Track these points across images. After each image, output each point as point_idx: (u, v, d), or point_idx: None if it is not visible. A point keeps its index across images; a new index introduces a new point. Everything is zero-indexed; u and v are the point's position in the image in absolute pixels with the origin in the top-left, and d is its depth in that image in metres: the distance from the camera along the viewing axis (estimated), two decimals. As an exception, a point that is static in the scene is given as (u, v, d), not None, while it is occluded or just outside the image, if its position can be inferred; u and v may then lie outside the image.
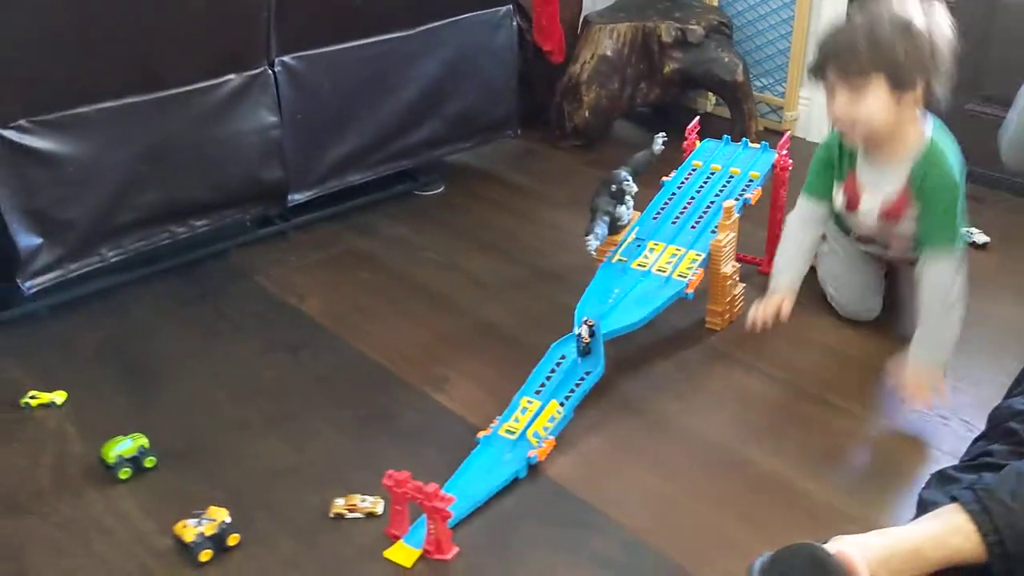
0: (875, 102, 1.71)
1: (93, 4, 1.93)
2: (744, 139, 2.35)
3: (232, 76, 2.16)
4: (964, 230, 1.84)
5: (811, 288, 2.14)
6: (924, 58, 1.68)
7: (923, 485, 1.50)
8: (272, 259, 2.44)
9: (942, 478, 1.47)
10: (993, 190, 2.74)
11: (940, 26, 1.69)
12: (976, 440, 1.53)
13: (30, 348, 2.07)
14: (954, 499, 1.33)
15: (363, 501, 1.60)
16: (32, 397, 1.89)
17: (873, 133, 1.79)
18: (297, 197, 2.42)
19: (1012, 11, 2.68)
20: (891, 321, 2.11)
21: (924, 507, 1.42)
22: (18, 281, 2.01)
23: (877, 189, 1.90)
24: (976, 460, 1.46)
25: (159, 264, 2.34)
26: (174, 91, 2.08)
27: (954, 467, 1.50)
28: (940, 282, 1.79)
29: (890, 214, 1.91)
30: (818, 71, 1.77)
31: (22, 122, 1.90)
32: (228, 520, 1.53)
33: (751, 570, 1.28)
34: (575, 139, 3.13)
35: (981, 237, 2.45)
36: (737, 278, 2.10)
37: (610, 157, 3.04)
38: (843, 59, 1.71)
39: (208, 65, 2.12)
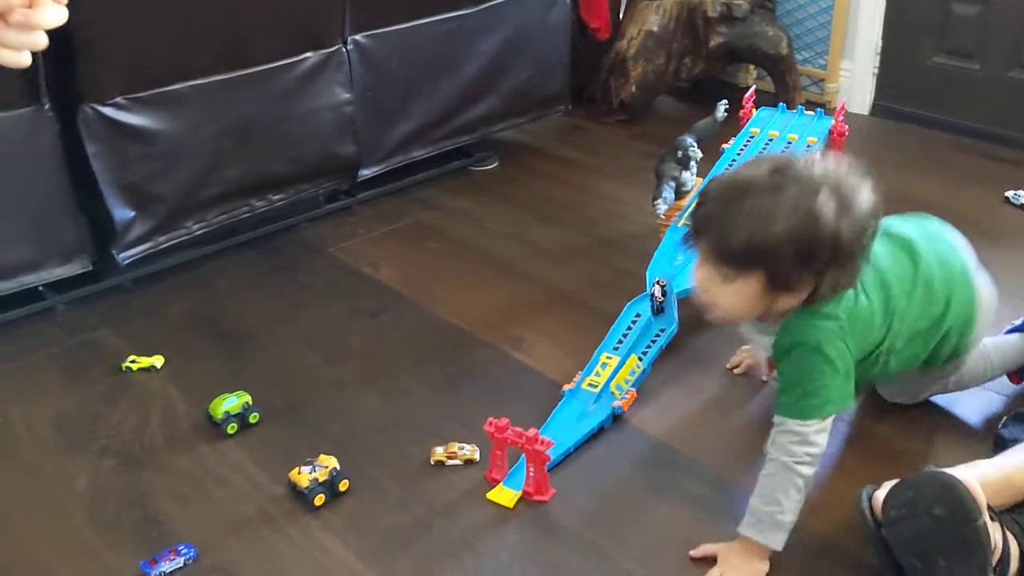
0: (742, 298, 1.36)
1: (186, -15, 2.03)
2: (800, 107, 2.43)
3: (310, 54, 2.26)
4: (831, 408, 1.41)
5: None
6: (819, 259, 1.30)
7: (1000, 425, 1.59)
8: (341, 232, 2.54)
9: (1019, 417, 1.56)
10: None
11: (855, 216, 1.30)
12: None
13: (122, 318, 2.17)
14: (1031, 432, 1.42)
15: (461, 449, 1.70)
16: (132, 362, 1.99)
17: (733, 321, 1.52)
18: (367, 172, 2.51)
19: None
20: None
21: (1004, 444, 1.51)
22: (113, 252, 2.11)
23: (756, 342, 1.63)
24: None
25: (236, 238, 2.43)
26: (258, 68, 2.18)
27: (1025, 407, 1.59)
28: (780, 450, 1.41)
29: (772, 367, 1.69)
30: (690, 237, 1.41)
31: (119, 99, 2.00)
32: (338, 467, 1.63)
33: (859, 497, 1.36)
34: (620, 114, 3.22)
35: (1027, 199, 2.52)
36: (798, 240, 2.18)
37: (656, 131, 3.13)
38: (719, 244, 1.34)
39: (288, 43, 2.21)
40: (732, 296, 1.37)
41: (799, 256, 1.30)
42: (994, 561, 1.25)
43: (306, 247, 2.46)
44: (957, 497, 1.23)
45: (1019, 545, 1.33)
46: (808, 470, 1.38)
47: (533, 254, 2.41)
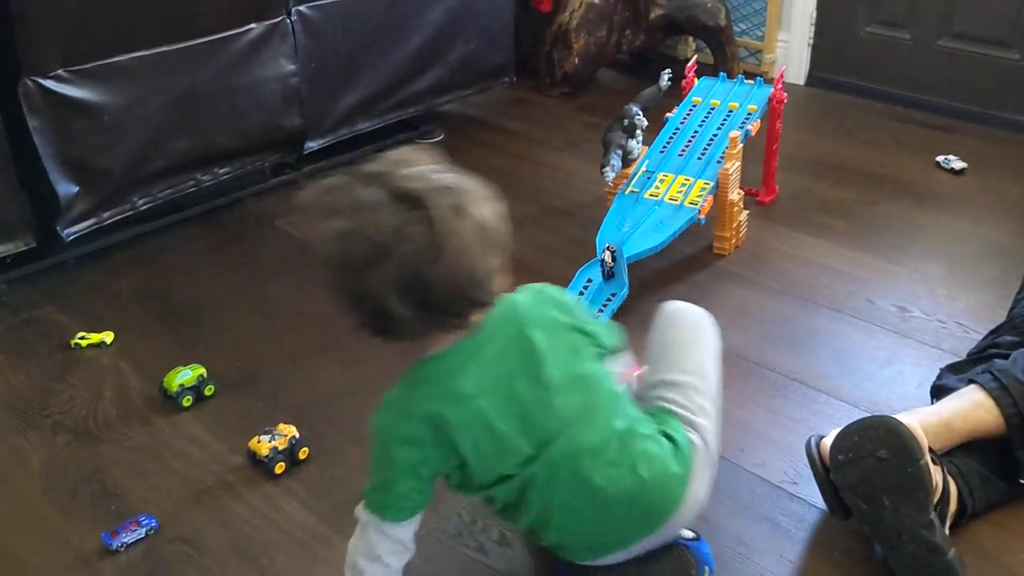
0: None
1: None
2: (740, 76, 2.48)
3: (254, 25, 2.24)
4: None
5: (804, 211, 2.29)
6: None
7: (936, 377, 1.66)
8: (288, 206, 2.52)
9: (954, 368, 1.63)
10: (964, 121, 2.91)
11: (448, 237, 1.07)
12: (985, 337, 1.69)
13: (68, 294, 2.14)
14: (971, 382, 1.49)
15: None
16: (82, 338, 1.97)
17: None
18: (312, 144, 2.50)
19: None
20: (891, 245, 2.27)
21: (940, 393, 1.57)
22: (57, 228, 2.08)
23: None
24: (983, 352, 1.62)
25: (181, 213, 2.41)
26: (202, 40, 2.15)
27: (963, 360, 1.66)
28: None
29: None
30: None
31: (61, 72, 1.96)
32: (297, 435, 1.64)
33: (807, 444, 1.42)
34: (563, 86, 3.24)
35: (959, 164, 2.61)
36: (742, 205, 2.24)
37: (599, 103, 3.17)
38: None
39: (233, 14, 2.19)
40: None
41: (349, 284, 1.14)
42: (935, 500, 1.32)
43: (253, 221, 2.45)
44: (901, 439, 1.29)
45: (956, 487, 1.40)
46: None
47: (482, 224, 2.43)
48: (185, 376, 1.79)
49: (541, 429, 1.19)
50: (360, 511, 1.24)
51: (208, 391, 1.80)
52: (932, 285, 2.10)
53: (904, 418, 1.35)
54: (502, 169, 2.73)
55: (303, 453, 1.64)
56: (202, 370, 1.81)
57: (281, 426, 1.65)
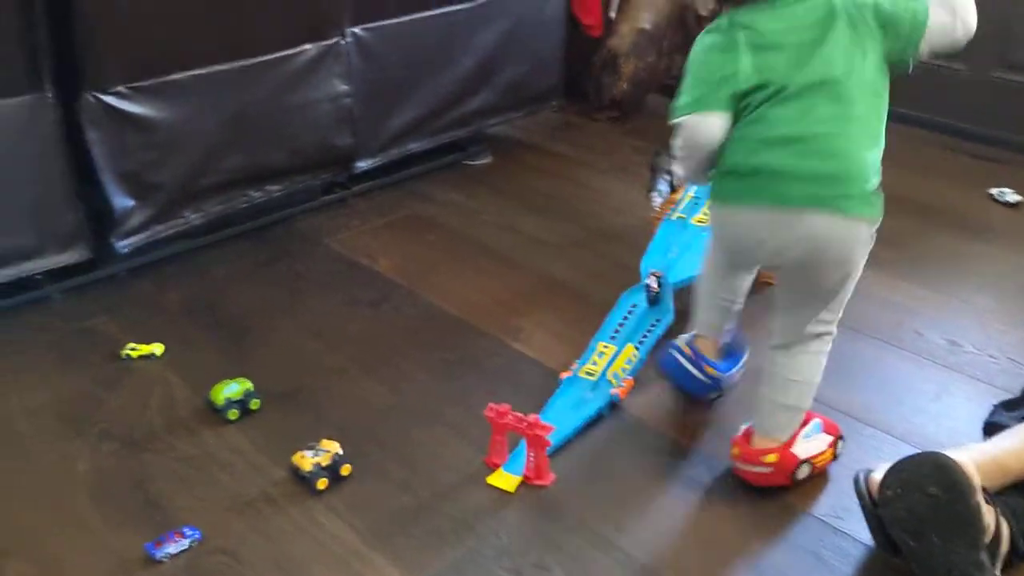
0: None
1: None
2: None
3: (308, 46, 2.27)
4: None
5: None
6: None
7: (988, 414, 1.63)
8: (337, 224, 2.56)
9: (1006, 405, 1.60)
10: (1019, 154, 2.86)
11: None
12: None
13: (120, 306, 2.18)
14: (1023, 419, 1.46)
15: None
16: (132, 349, 2.00)
17: None
18: (363, 164, 2.53)
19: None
20: (940, 277, 2.23)
21: (992, 431, 1.54)
22: (112, 240, 2.12)
23: None
24: (1035, 389, 1.59)
25: (231, 229, 2.45)
26: (257, 59, 2.19)
27: (1017, 397, 1.63)
28: None
29: None
30: None
31: (121, 88, 2.01)
32: (340, 452, 1.65)
33: (855, 479, 1.39)
34: (612, 111, 3.25)
35: (1014, 197, 2.57)
36: (790, 233, 2.22)
37: (647, 129, 3.17)
38: None
39: (288, 35, 2.23)
40: None
41: None
42: (987, 540, 1.29)
43: (302, 238, 2.48)
44: (952, 476, 1.26)
45: (1009, 528, 1.36)
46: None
47: (528, 245, 2.44)
48: (232, 390, 1.81)
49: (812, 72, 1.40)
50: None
51: (254, 405, 1.82)
52: (983, 318, 2.07)
53: (955, 455, 1.32)
54: (549, 192, 2.74)
55: (346, 470, 1.64)
56: (248, 384, 1.83)
57: (325, 442, 1.66)
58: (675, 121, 1.49)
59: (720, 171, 1.49)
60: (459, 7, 2.54)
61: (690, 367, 1.72)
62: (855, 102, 1.41)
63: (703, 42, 1.49)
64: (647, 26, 3.13)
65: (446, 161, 2.87)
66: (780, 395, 1.54)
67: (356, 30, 2.36)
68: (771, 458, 1.54)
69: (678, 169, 1.61)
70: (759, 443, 1.55)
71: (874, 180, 1.44)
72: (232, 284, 2.27)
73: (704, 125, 1.46)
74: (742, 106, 1.44)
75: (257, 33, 2.17)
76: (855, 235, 1.44)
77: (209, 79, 2.13)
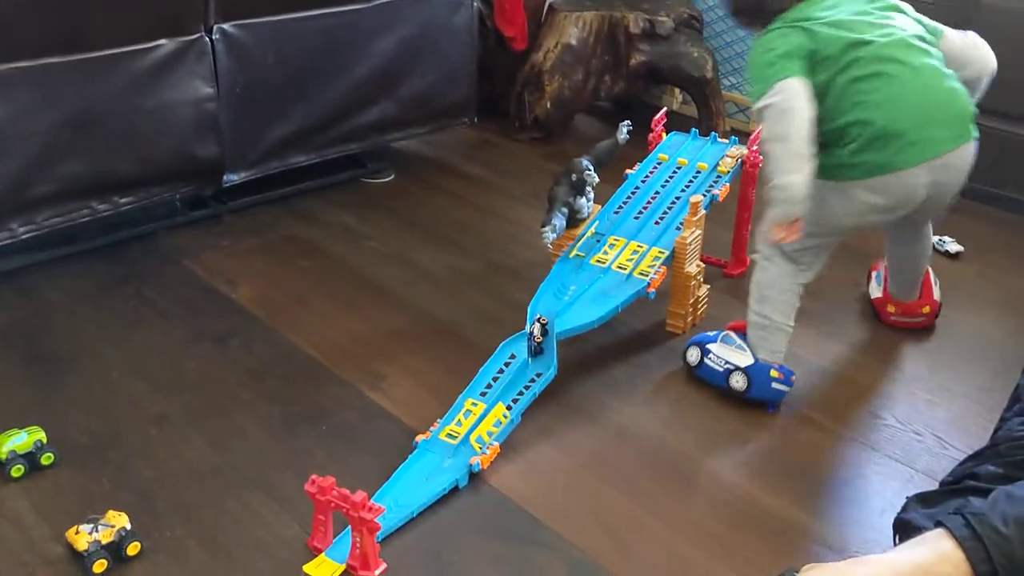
0: None
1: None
2: (713, 133, 2.23)
3: (164, 41, 1.99)
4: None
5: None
6: None
7: (901, 508, 1.38)
8: (204, 244, 2.27)
9: (923, 500, 1.34)
10: (963, 199, 2.64)
11: None
12: (963, 462, 1.41)
13: (-73, 329, 1.88)
14: (939, 524, 1.20)
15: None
16: (-79, 382, 1.71)
17: None
18: (233, 177, 2.25)
19: (989, 10, 2.59)
20: (869, 339, 2.00)
21: (906, 530, 1.29)
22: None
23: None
24: (960, 483, 1.34)
25: (78, 245, 2.16)
26: (100, 53, 1.90)
27: (936, 490, 1.37)
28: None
29: None
30: None
31: (-77, 78, 1.72)
32: (128, 527, 1.37)
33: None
34: (534, 131, 3.00)
35: (954, 246, 2.34)
36: (701, 279, 1.97)
37: (570, 151, 2.90)
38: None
39: (138, 27, 1.94)
40: None
41: None
42: None
43: (159, 258, 2.19)
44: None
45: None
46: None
47: (415, 278, 2.17)
48: (19, 441, 1.52)
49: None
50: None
51: (45, 460, 1.53)
52: (910, 387, 1.83)
53: (842, 569, 1.07)
54: (452, 219, 2.47)
55: (133, 549, 1.36)
56: (41, 434, 1.54)
57: (110, 514, 1.38)
58: (759, 104, 1.58)
59: (849, 148, 1.60)
60: (349, 8, 2.27)
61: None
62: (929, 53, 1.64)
63: (763, 38, 1.64)
64: (573, 42, 2.88)
65: (341, 178, 2.60)
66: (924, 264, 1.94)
67: (224, 26, 2.08)
68: (926, 309, 1.97)
69: (773, 167, 1.58)
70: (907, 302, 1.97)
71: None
72: (63, 309, 1.98)
73: (794, 87, 1.55)
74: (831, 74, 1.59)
75: (100, 23, 1.88)
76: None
77: (39, 73, 1.84)
